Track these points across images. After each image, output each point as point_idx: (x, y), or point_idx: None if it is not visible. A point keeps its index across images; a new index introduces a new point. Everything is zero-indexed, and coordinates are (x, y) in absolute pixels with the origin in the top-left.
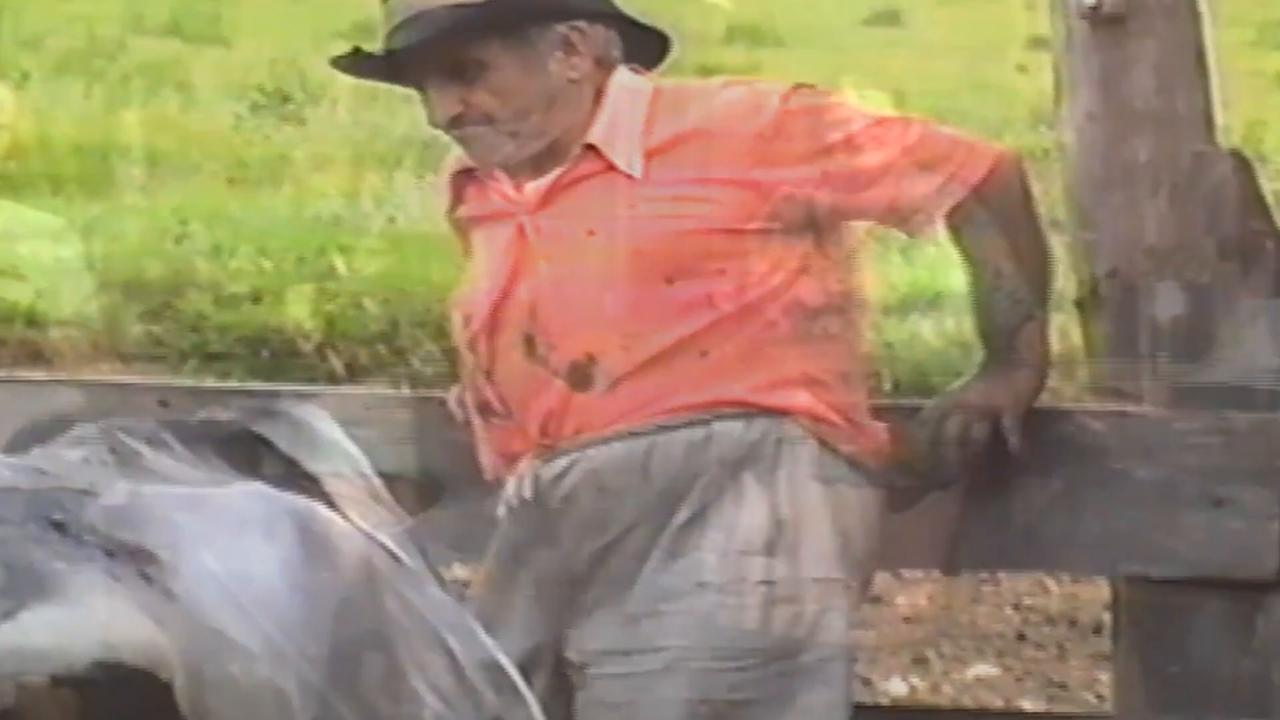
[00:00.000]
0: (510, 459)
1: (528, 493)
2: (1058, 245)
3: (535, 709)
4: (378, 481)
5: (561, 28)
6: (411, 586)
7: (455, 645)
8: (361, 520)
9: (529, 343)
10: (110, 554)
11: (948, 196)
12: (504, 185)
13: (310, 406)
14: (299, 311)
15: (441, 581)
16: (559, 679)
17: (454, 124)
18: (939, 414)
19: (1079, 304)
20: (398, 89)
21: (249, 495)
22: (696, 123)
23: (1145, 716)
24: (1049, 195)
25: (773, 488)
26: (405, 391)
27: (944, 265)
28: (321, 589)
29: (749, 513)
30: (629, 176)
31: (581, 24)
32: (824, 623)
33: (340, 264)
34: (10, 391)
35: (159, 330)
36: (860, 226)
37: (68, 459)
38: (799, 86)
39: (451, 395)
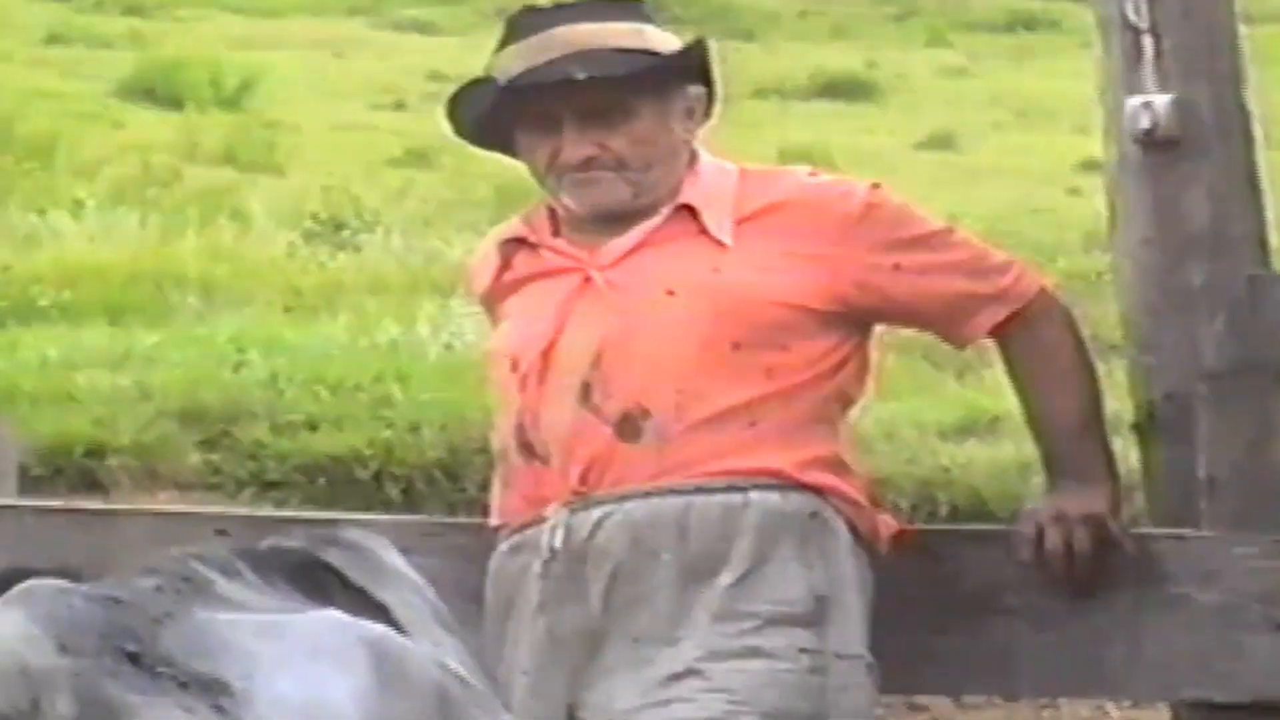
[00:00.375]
0: (537, 504)
1: (558, 542)
2: (1116, 369)
3: None
4: (442, 606)
5: (693, 90)
6: (484, 711)
7: None
8: (430, 645)
9: (585, 389)
10: (184, 685)
11: (1001, 308)
12: (562, 244)
13: (372, 534)
14: (356, 439)
15: (508, 705)
16: None
17: (583, 166)
18: (1035, 530)
19: (1136, 427)
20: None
21: (323, 622)
22: (787, 197)
23: None
24: (1105, 319)
25: (810, 561)
26: (462, 518)
27: (1000, 389)
28: (396, 717)
29: (792, 583)
30: (718, 242)
31: (704, 91)
32: (848, 700)
33: (397, 391)
34: (69, 521)
35: (216, 459)
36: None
37: (141, 587)
38: (879, 184)
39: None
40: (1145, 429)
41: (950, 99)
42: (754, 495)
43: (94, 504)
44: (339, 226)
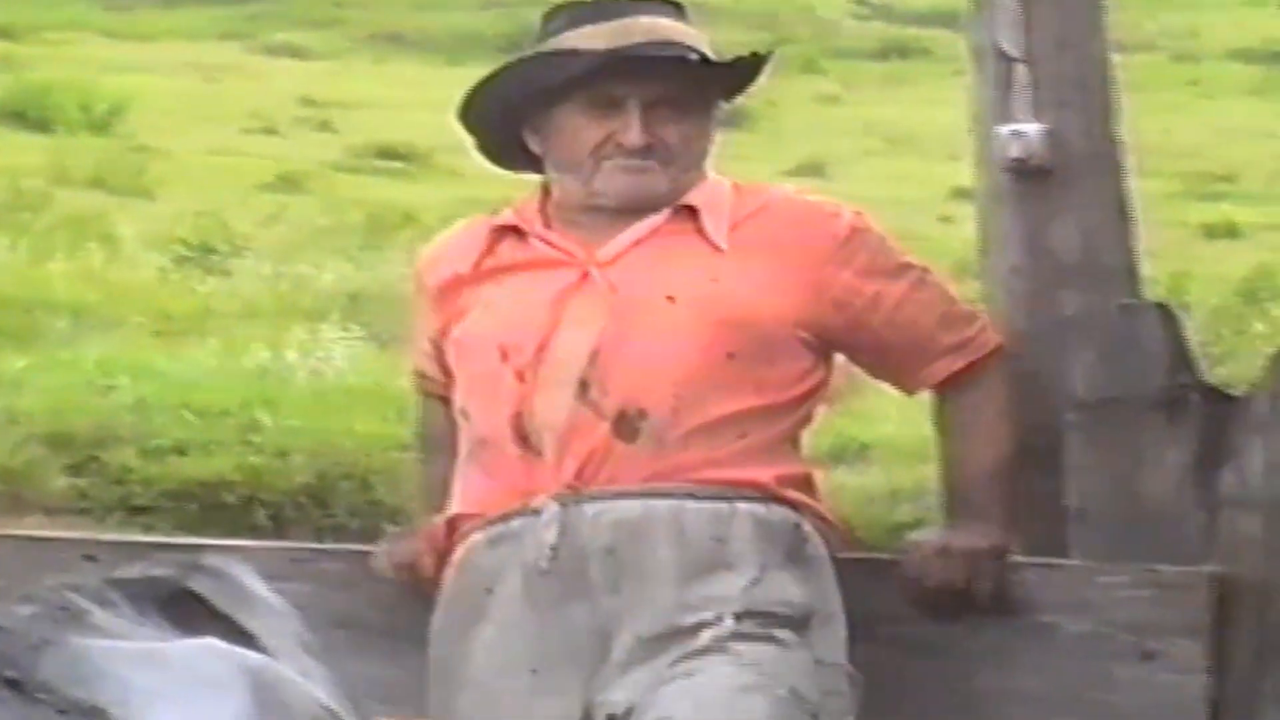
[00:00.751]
0: (524, 495)
1: (554, 537)
2: None
3: None
4: (308, 634)
5: (725, 102)
6: None
7: None
8: (298, 674)
9: (583, 385)
10: (63, 713)
11: (959, 359)
12: (555, 237)
13: (235, 561)
14: (224, 464)
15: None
16: None
17: (640, 153)
18: (918, 560)
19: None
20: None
21: (202, 650)
22: (777, 205)
23: None
24: None
25: (798, 570)
26: (330, 544)
27: (870, 418)
28: None
29: (789, 588)
30: (715, 246)
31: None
32: (834, 704)
33: (265, 416)
34: None
35: (83, 483)
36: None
37: (19, 614)
38: (862, 211)
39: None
40: (1015, 458)
41: (822, 126)
42: (741, 505)
43: None
44: (209, 251)
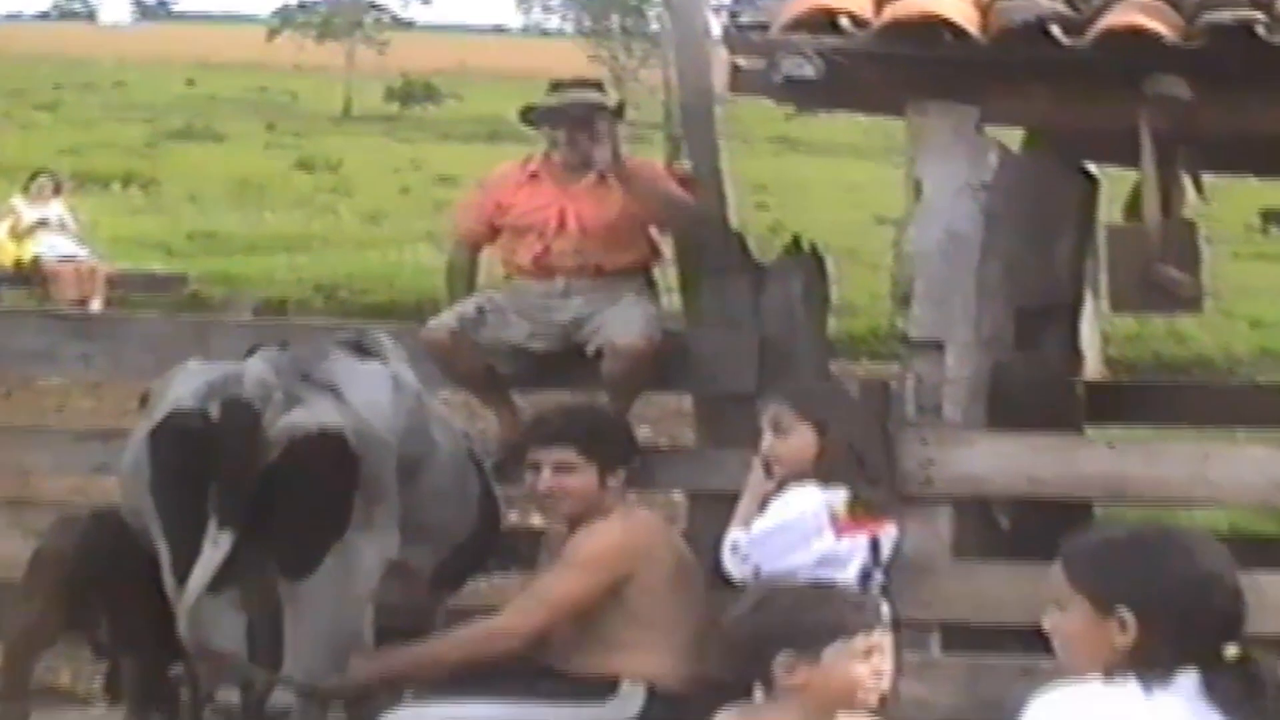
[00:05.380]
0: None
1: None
2: None
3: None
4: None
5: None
6: (437, 421)
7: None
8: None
9: (580, 247)
10: (323, 389)
11: None
12: (546, 179)
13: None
14: None
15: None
16: None
17: (589, 163)
18: None
19: None
20: None
21: (372, 369)
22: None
23: None
24: None
25: None
26: None
27: None
28: (402, 409)
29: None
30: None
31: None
32: None
33: None
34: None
35: None
36: None
37: (298, 353)
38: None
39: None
40: None
41: None
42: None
43: None
44: None
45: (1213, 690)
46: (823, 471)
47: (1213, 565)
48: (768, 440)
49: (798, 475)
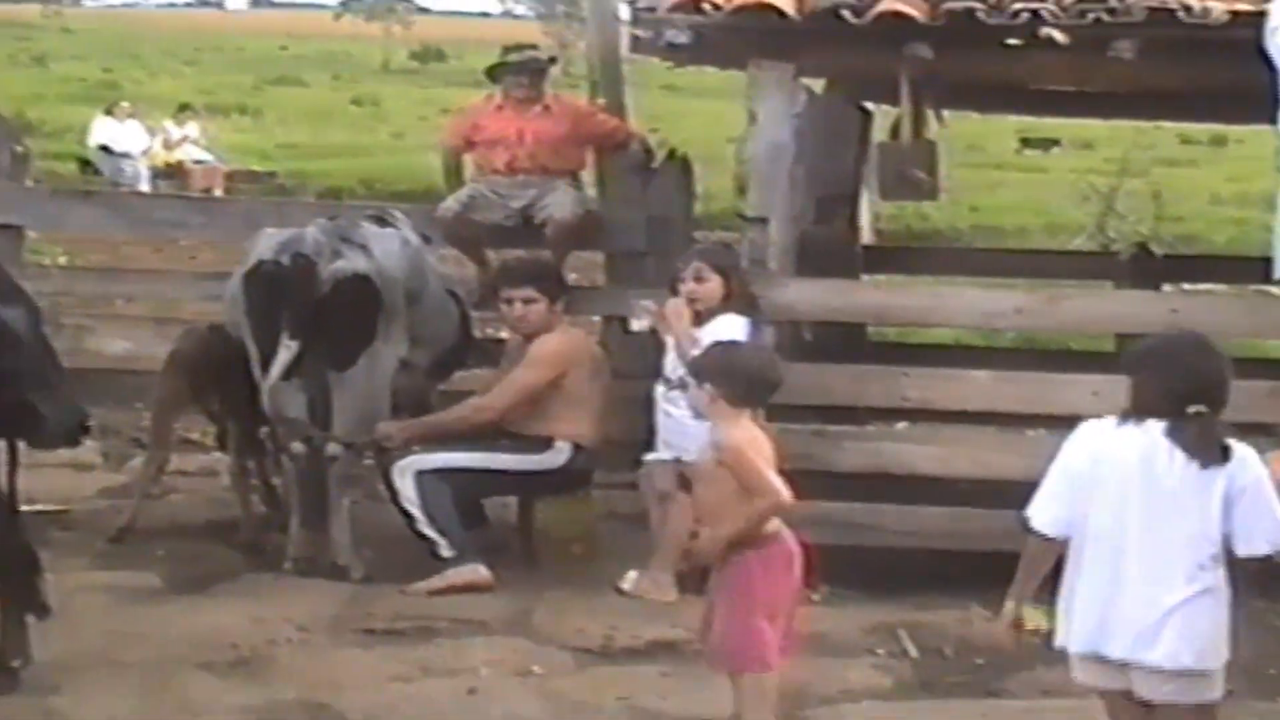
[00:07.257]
0: (493, 170)
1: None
2: None
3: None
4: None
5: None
6: (429, 267)
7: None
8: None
9: (532, 154)
10: (358, 248)
11: None
12: (509, 109)
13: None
14: None
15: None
16: None
17: (538, 97)
18: None
19: None
20: None
21: (389, 232)
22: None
23: None
24: None
25: None
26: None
27: None
28: (407, 259)
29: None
30: (551, 111)
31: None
32: None
33: None
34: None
35: None
36: None
37: (339, 224)
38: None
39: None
40: None
41: None
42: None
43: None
44: None
45: (1174, 433)
46: (731, 306)
47: (1200, 356)
48: (689, 286)
49: (712, 310)
